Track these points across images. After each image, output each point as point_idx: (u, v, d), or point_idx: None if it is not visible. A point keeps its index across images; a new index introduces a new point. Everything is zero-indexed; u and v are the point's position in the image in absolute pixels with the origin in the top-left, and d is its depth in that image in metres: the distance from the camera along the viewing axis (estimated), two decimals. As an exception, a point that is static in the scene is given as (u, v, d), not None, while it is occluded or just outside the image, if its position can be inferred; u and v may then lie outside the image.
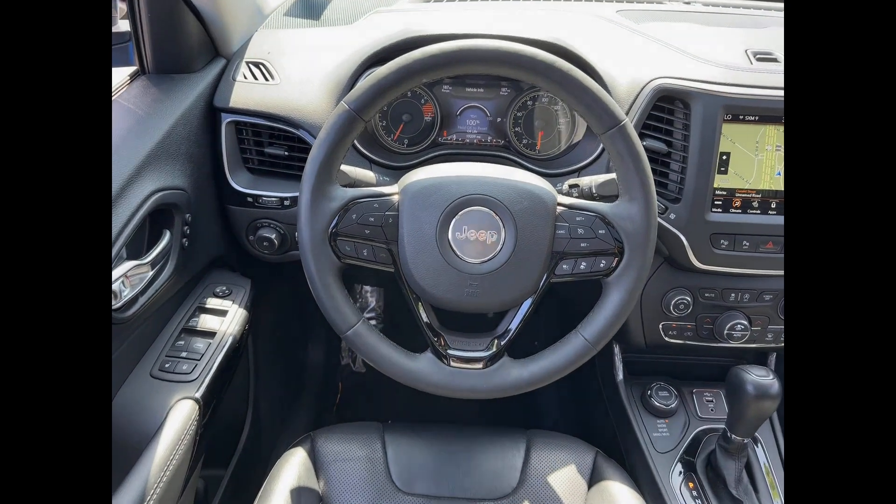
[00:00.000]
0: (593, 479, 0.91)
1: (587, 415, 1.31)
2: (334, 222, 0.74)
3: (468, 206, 0.74)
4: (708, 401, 1.10)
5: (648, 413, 1.08)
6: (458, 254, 0.74)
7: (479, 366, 0.77)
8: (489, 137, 1.07)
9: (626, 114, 0.91)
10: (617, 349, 1.13)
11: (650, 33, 1.01)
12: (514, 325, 0.78)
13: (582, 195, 0.86)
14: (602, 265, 0.75)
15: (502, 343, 0.78)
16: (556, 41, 0.93)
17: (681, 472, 0.99)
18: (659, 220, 0.91)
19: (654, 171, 0.92)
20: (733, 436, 0.92)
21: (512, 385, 0.76)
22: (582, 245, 0.75)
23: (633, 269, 0.75)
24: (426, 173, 0.76)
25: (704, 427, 1.06)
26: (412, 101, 1.05)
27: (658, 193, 0.92)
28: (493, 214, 0.74)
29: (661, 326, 1.03)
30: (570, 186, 0.87)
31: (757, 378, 0.88)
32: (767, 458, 1.00)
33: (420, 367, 0.77)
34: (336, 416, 1.51)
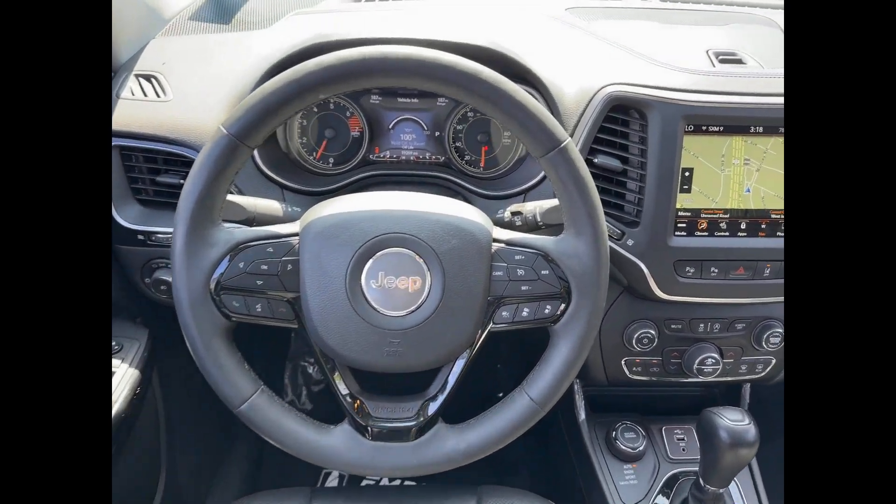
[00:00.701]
0: None
1: (550, 455, 1.19)
2: (218, 272, 0.60)
3: (384, 247, 0.61)
4: (679, 439, 0.99)
5: (614, 457, 0.97)
6: (375, 306, 0.61)
7: (408, 436, 0.65)
8: (427, 153, 0.94)
9: (575, 127, 0.80)
10: (578, 385, 1.02)
11: (602, 34, 0.90)
12: (448, 386, 0.66)
13: (526, 223, 0.74)
14: (547, 311, 0.64)
15: (435, 407, 0.66)
16: (490, 46, 0.81)
17: (651, 527, 0.88)
18: (615, 247, 0.80)
19: (608, 191, 0.81)
20: (707, 486, 0.81)
21: (446, 459, 0.64)
22: (523, 288, 0.63)
23: (582, 316, 0.63)
24: (332, 208, 0.63)
25: (676, 470, 0.95)
26: (336, 115, 0.92)
27: (614, 217, 0.81)
28: (416, 257, 0.61)
29: (623, 362, 0.92)
30: (513, 213, 0.75)
31: (731, 423, 0.77)
32: (746, 507, 0.90)
33: (334, 444, 0.64)
34: (276, 469, 1.36)
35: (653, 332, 0.88)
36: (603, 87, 0.79)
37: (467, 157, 0.94)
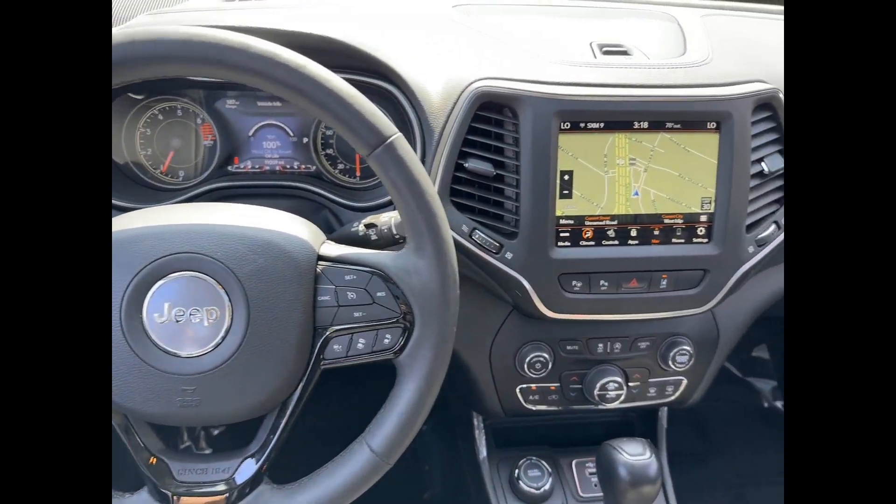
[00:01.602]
0: None
1: (460, 495, 1.08)
2: None
3: (170, 271, 0.50)
4: (591, 473, 0.89)
5: (518, 500, 0.86)
6: (160, 345, 0.50)
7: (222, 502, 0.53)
8: (295, 163, 0.84)
9: (443, 129, 0.70)
10: (478, 420, 0.91)
11: (482, 29, 0.82)
12: (274, 438, 0.55)
13: (382, 237, 0.64)
14: (387, 341, 0.53)
15: (256, 466, 0.54)
16: (340, 38, 0.71)
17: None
18: (493, 261, 0.71)
19: (486, 199, 0.72)
20: (612, 529, 0.71)
21: None
22: (355, 314, 0.53)
23: (427, 344, 0.53)
24: (113, 225, 0.52)
25: (587, 512, 0.85)
26: (183, 122, 0.81)
27: (491, 228, 0.71)
28: (212, 282, 0.50)
29: (518, 391, 0.82)
30: (367, 226, 0.65)
31: (630, 459, 0.68)
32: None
33: None
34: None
35: (546, 355, 0.78)
36: (471, 84, 0.70)
37: (342, 166, 0.84)
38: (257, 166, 0.83)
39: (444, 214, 0.52)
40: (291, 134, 0.84)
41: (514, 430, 0.95)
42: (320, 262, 0.53)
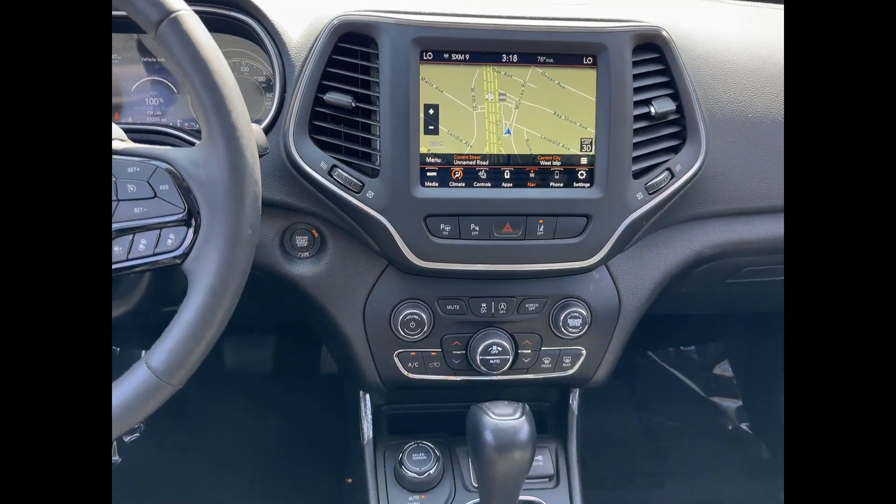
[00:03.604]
0: None
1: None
2: None
3: None
4: (487, 462, 0.80)
5: (401, 487, 0.76)
6: None
7: None
8: (178, 119, 0.81)
9: (305, 63, 0.67)
10: (365, 399, 0.82)
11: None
12: None
13: None
14: (170, 241, 0.48)
15: None
16: None
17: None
18: (354, 201, 0.66)
19: (349, 136, 0.67)
20: (486, 510, 0.62)
21: None
22: (136, 210, 0.48)
23: (215, 244, 0.47)
24: None
25: (475, 501, 0.75)
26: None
27: (354, 167, 0.67)
28: None
29: (396, 357, 0.74)
30: None
31: (496, 420, 0.60)
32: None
33: None
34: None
35: (423, 314, 0.71)
36: (334, 18, 0.68)
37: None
38: (139, 122, 0.81)
39: (239, 100, 0.48)
40: (175, 91, 0.81)
41: (408, 417, 0.86)
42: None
